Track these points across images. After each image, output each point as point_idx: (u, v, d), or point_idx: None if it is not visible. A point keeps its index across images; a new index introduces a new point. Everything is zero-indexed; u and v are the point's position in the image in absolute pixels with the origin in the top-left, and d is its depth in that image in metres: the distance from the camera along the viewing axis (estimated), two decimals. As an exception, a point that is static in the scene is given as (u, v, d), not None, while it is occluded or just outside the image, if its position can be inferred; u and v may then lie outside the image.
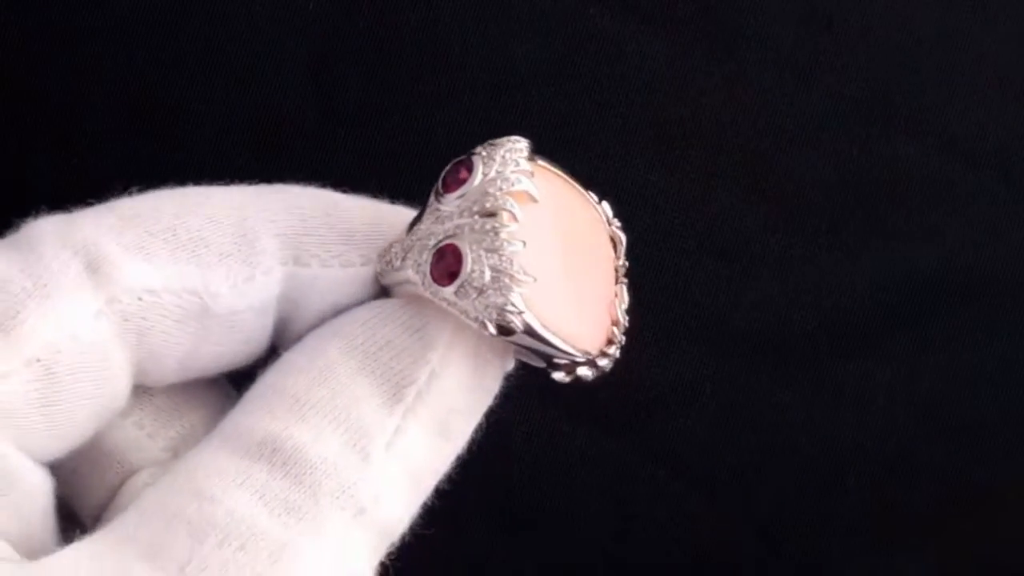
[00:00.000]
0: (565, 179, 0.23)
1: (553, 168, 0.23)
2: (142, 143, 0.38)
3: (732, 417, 0.41)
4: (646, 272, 0.40)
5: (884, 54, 0.39)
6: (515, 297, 0.21)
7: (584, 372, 0.22)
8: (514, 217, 0.21)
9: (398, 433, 0.20)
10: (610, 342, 0.23)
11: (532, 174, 0.22)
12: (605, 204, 0.24)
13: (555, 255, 0.22)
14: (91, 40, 0.38)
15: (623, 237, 0.25)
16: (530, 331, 0.21)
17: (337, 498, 0.19)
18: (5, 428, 0.20)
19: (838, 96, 0.39)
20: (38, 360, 0.21)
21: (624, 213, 0.40)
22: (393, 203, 0.39)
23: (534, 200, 0.22)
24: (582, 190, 0.24)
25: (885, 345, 0.41)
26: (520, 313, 0.21)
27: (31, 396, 0.21)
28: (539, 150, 0.40)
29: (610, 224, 0.24)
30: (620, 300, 0.24)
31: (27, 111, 0.38)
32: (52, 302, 0.21)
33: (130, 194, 0.24)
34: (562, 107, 0.39)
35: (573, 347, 0.21)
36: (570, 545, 0.42)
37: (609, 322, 0.23)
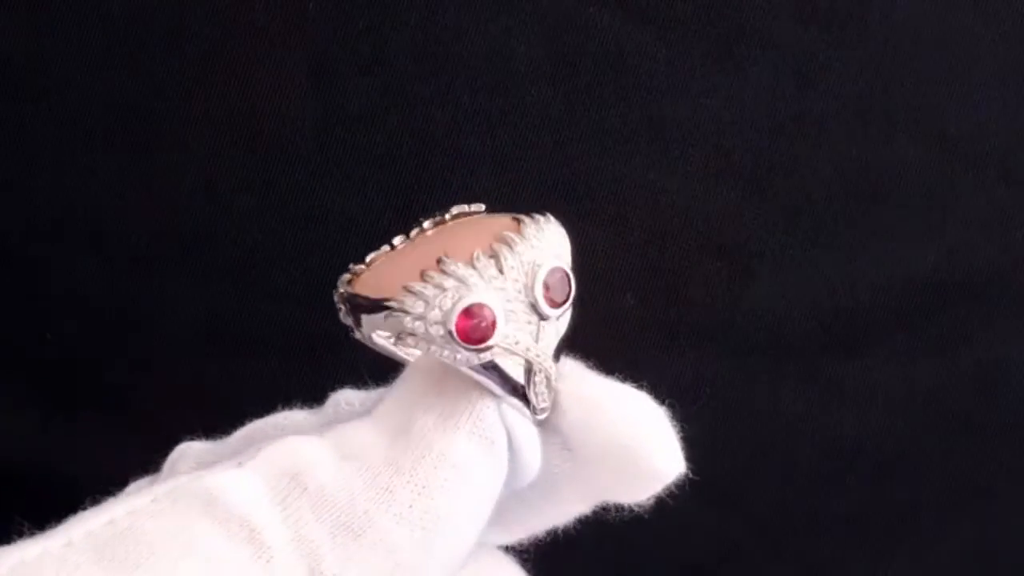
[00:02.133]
0: (488, 221, 0.24)
1: (484, 215, 0.24)
2: (142, 143, 0.38)
3: (732, 417, 0.41)
4: (646, 272, 0.40)
5: (884, 54, 0.39)
6: (343, 277, 0.23)
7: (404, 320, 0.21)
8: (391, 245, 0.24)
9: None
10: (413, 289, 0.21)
11: (439, 222, 0.24)
12: (529, 226, 0.23)
13: (411, 260, 0.23)
14: (92, 40, 0.38)
15: (515, 238, 0.22)
16: (344, 296, 0.22)
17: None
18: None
19: (838, 96, 0.39)
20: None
21: (624, 213, 0.40)
22: (391, 202, 0.39)
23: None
24: (503, 225, 0.23)
25: (885, 345, 0.41)
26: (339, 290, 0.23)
27: None
28: (539, 150, 0.40)
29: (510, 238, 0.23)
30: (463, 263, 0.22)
31: (27, 111, 0.38)
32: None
33: None
34: (562, 107, 0.39)
35: (370, 291, 0.22)
36: (570, 545, 0.42)
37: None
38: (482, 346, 0.21)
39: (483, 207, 0.24)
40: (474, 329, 0.21)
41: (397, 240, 0.23)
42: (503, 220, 0.23)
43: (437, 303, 0.21)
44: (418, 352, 0.22)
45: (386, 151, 0.39)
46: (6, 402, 0.42)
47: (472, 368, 0.21)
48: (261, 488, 0.20)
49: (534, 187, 0.39)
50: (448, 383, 0.22)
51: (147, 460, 0.42)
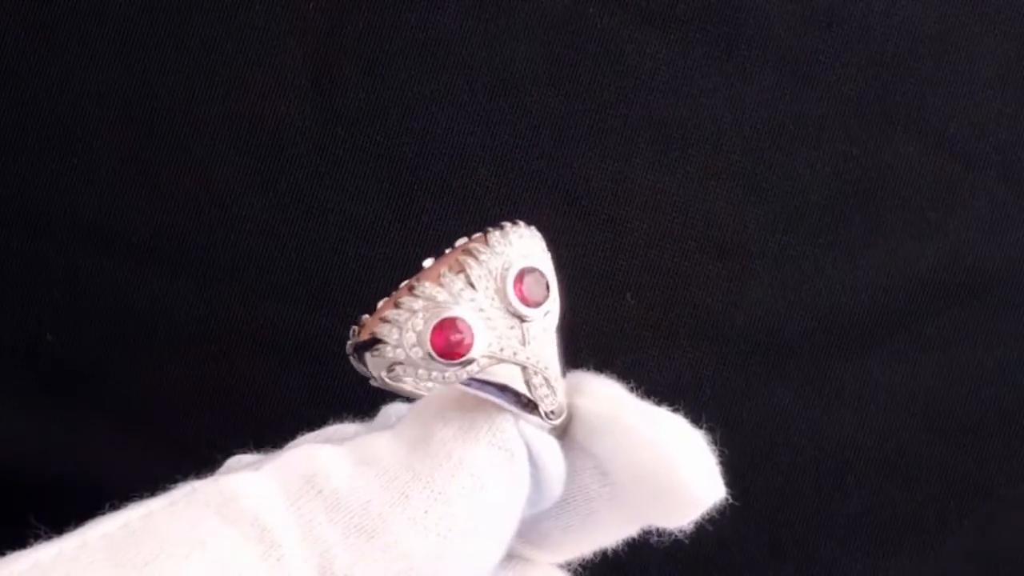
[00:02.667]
0: (463, 243, 0.24)
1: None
2: (142, 143, 0.38)
3: (732, 417, 0.41)
4: (646, 272, 0.40)
5: (884, 54, 0.39)
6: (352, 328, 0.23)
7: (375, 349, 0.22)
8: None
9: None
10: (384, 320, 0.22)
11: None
12: (491, 233, 0.23)
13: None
14: (92, 40, 0.38)
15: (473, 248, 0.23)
16: (351, 346, 0.22)
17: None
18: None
19: (838, 96, 0.39)
20: None
21: (624, 213, 0.40)
22: (391, 202, 0.39)
23: None
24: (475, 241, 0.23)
25: (885, 345, 0.41)
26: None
27: None
28: (539, 150, 0.40)
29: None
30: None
31: (28, 111, 0.38)
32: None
33: None
34: (562, 107, 0.39)
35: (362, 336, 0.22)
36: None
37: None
38: (465, 359, 0.21)
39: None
40: (451, 344, 0.21)
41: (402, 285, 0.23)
42: (476, 237, 0.23)
43: (410, 326, 0.21)
44: (431, 384, 0.22)
45: (386, 151, 0.39)
46: (6, 402, 0.42)
47: (466, 384, 0.21)
48: (275, 490, 0.20)
49: (534, 187, 0.39)
50: (468, 399, 0.22)
51: (147, 460, 0.42)
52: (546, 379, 0.22)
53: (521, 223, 0.23)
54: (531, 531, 0.23)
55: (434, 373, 0.21)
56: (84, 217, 0.39)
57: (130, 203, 0.39)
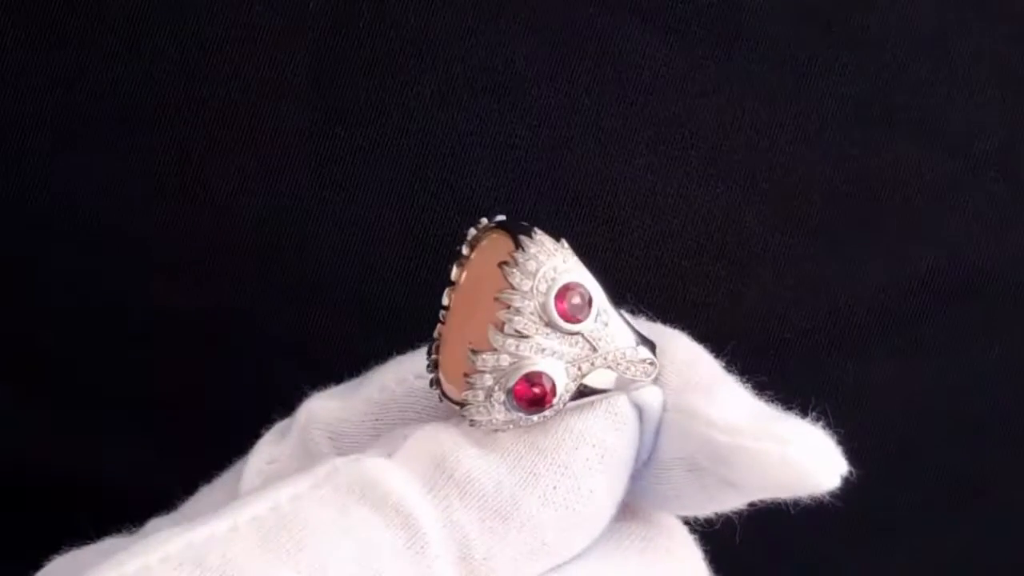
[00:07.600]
0: (480, 281, 0.24)
1: (500, 230, 0.24)
2: (141, 142, 0.38)
3: (732, 417, 0.41)
4: (646, 272, 0.40)
5: (884, 54, 0.39)
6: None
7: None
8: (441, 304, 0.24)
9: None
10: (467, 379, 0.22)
11: (463, 258, 0.24)
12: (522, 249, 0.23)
13: (458, 318, 0.24)
14: (91, 39, 0.38)
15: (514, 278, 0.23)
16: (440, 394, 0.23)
17: None
18: None
19: (838, 96, 0.39)
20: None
21: (624, 213, 0.40)
22: (391, 202, 0.39)
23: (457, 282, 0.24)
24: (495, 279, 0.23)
25: (885, 345, 0.41)
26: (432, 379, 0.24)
27: None
28: (539, 150, 0.40)
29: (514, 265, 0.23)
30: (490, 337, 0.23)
31: (26, 110, 0.38)
32: None
33: None
34: (562, 107, 0.39)
35: (450, 395, 0.23)
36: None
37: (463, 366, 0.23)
38: (556, 401, 0.22)
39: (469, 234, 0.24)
40: (536, 397, 0.22)
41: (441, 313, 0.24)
42: (493, 272, 0.23)
43: (493, 400, 0.22)
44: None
45: (386, 151, 0.39)
46: (6, 402, 0.42)
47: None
48: (411, 476, 0.21)
49: (534, 187, 0.39)
50: None
51: (147, 459, 0.42)
52: (630, 362, 0.23)
53: (538, 234, 0.23)
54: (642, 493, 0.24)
55: (534, 419, 0.22)
56: (84, 217, 0.39)
57: (130, 202, 0.39)
